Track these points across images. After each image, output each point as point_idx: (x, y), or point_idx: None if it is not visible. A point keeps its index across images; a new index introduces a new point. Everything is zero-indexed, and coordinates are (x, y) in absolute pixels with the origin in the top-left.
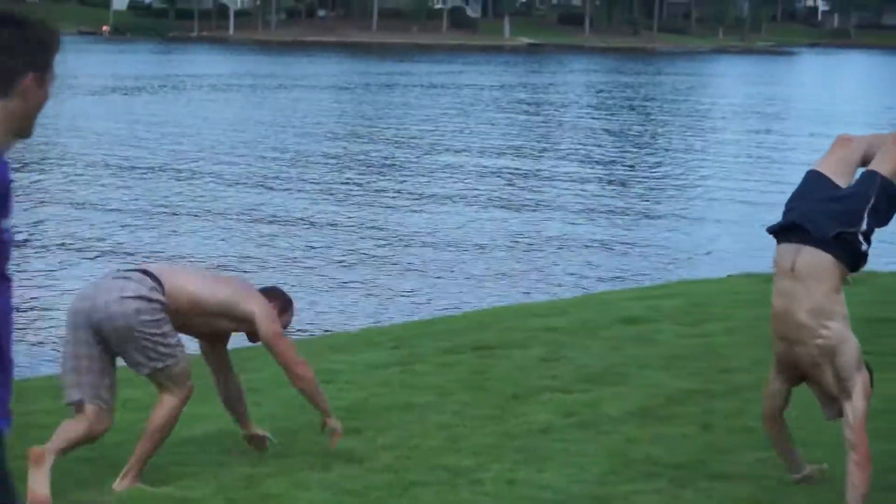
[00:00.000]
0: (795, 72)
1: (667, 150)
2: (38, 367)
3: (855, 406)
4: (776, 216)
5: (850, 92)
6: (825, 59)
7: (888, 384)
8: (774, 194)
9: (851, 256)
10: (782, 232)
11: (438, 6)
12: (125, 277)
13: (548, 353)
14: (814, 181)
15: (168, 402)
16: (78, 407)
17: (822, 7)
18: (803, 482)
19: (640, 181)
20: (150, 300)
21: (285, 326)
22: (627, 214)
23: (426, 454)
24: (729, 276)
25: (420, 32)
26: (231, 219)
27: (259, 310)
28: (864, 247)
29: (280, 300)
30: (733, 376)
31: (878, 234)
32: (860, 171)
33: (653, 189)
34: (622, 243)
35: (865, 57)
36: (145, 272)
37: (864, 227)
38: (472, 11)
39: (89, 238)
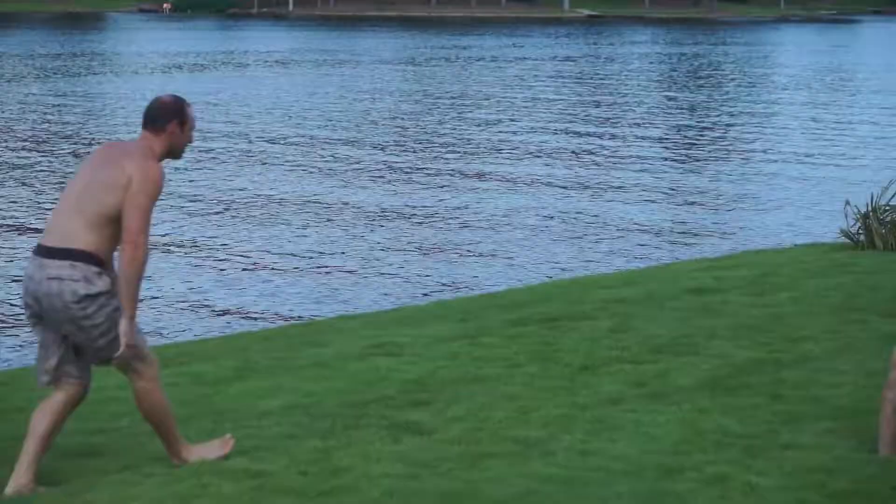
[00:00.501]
0: (861, 40)
1: (731, 122)
2: None
3: None
4: (840, 187)
5: None
6: (889, 26)
7: None
8: (839, 166)
9: None
10: None
11: None
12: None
13: (616, 325)
14: None
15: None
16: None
17: None
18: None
19: (703, 153)
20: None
21: None
22: (693, 180)
23: (496, 426)
24: (795, 245)
25: (479, 6)
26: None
27: None
28: None
29: None
30: (801, 346)
31: None
32: None
33: (717, 160)
34: (688, 207)
35: None
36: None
37: None
38: None
39: None
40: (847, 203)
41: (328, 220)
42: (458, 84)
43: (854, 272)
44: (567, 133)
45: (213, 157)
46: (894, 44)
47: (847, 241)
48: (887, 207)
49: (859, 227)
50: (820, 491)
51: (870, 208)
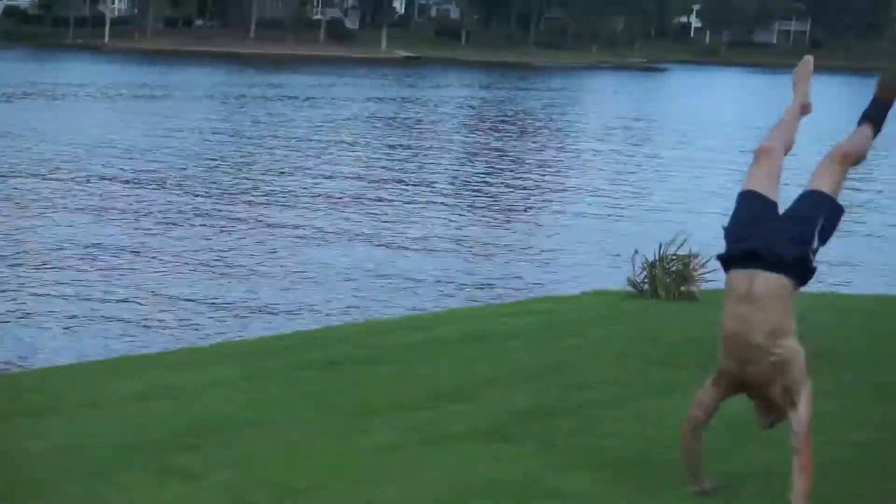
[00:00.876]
0: (666, 88)
1: (536, 166)
2: None
3: (800, 414)
4: (635, 231)
5: (720, 107)
6: (695, 75)
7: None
8: (636, 209)
9: (802, 275)
10: (737, 259)
11: (317, 17)
12: None
13: (397, 370)
14: (757, 203)
15: None
16: None
17: (694, 24)
18: (700, 495)
19: (503, 201)
20: None
21: None
22: (489, 234)
23: (266, 471)
24: (583, 293)
25: (297, 43)
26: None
27: None
28: (814, 265)
29: None
30: (580, 393)
31: None
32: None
33: (515, 209)
34: (482, 259)
35: (735, 74)
36: None
37: (815, 245)
38: (350, 23)
39: None
40: (636, 252)
41: (97, 261)
42: (266, 124)
43: (637, 321)
44: (363, 179)
45: None
46: (698, 92)
47: (633, 289)
48: (673, 257)
49: (645, 276)
50: None
51: (657, 258)
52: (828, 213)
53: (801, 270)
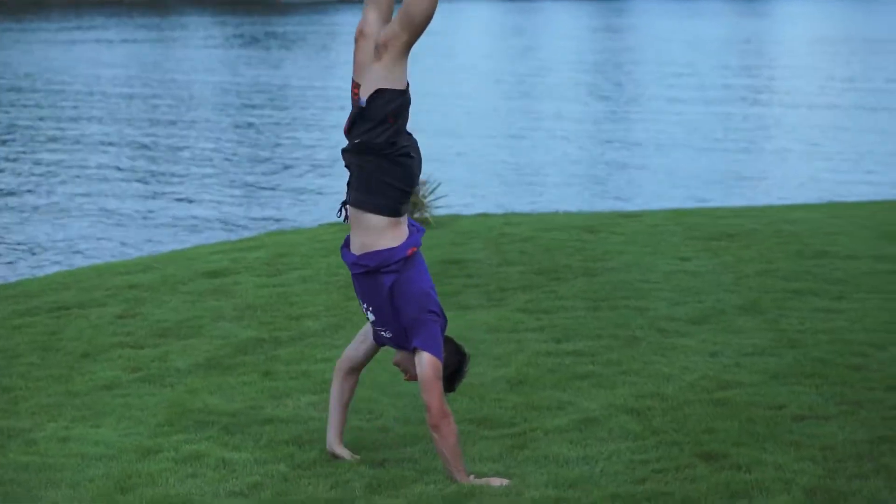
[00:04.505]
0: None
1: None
2: None
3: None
4: None
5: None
6: (443, 7)
7: (453, 321)
8: None
9: None
10: None
11: None
12: None
13: (125, 311)
14: None
15: None
16: None
17: None
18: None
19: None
20: None
21: None
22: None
23: None
24: (319, 225)
25: None
26: None
27: None
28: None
29: None
30: (302, 323)
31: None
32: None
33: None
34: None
35: (484, 5)
36: None
37: None
38: None
39: None
40: None
41: None
42: None
43: None
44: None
45: None
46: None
47: None
48: None
49: None
50: (289, 462)
51: None
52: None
53: None
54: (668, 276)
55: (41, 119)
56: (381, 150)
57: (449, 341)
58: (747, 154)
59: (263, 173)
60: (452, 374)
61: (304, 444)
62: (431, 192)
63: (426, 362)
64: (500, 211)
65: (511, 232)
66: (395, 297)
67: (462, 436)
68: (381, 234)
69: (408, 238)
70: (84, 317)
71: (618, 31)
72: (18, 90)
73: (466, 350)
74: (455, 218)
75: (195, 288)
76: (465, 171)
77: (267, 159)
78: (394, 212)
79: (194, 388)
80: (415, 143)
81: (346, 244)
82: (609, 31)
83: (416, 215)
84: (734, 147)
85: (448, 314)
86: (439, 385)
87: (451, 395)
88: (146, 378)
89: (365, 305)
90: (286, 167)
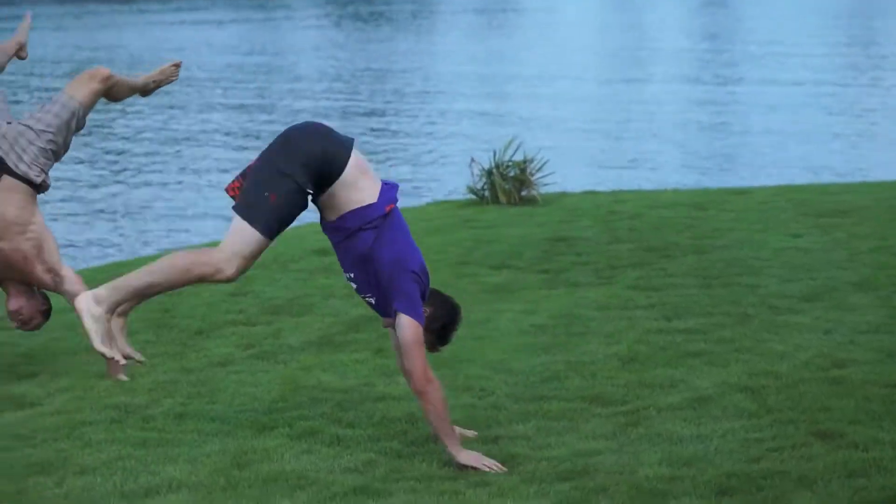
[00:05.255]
0: None
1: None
2: None
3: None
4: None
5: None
6: None
7: (557, 300)
8: (477, 121)
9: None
10: None
11: None
12: None
13: (237, 288)
14: None
15: None
16: None
17: None
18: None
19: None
20: None
21: None
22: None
23: (100, 395)
24: (426, 203)
25: None
26: None
27: None
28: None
29: None
30: None
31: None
32: None
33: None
34: None
35: None
36: None
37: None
38: None
39: None
40: (472, 160)
41: None
42: None
43: (476, 227)
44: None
45: None
46: None
47: (474, 197)
48: (510, 163)
49: (484, 184)
50: (402, 439)
51: (493, 164)
52: None
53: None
54: (779, 252)
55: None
56: None
57: (436, 294)
58: (860, 137)
59: (367, 152)
60: (445, 326)
61: (416, 422)
62: (539, 170)
63: (405, 325)
64: (607, 188)
65: (619, 209)
66: (374, 257)
67: (574, 414)
68: (351, 187)
69: (383, 194)
70: (197, 294)
71: (724, 5)
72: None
73: (456, 302)
74: (562, 195)
75: (305, 266)
76: (572, 147)
77: (373, 135)
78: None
79: (307, 366)
80: None
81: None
82: (716, 6)
83: (524, 193)
84: (848, 128)
85: (557, 291)
86: (421, 349)
87: (560, 371)
88: (259, 355)
89: (346, 274)
90: (388, 148)
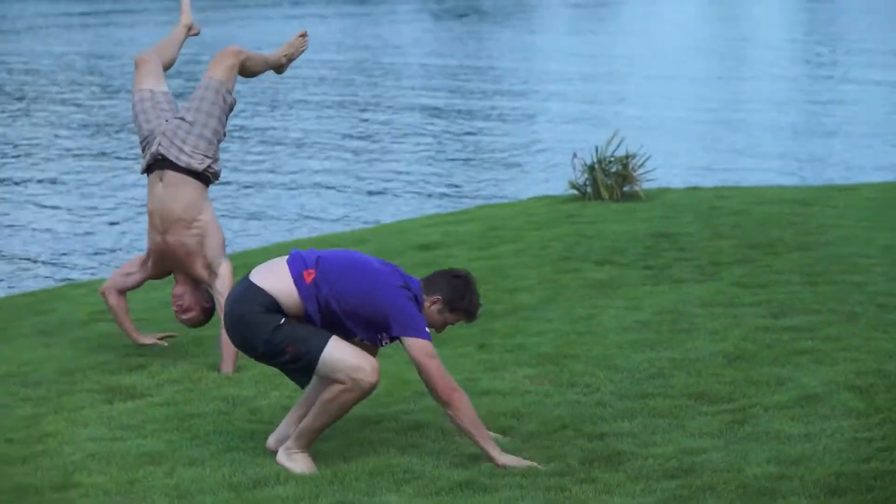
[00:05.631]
0: None
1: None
2: None
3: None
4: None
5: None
6: None
7: (661, 296)
8: (580, 120)
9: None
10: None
11: None
12: None
13: None
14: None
15: None
16: None
17: None
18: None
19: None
20: None
21: None
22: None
23: (209, 387)
24: (529, 198)
25: None
26: None
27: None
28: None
29: None
30: (515, 296)
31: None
32: None
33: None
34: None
35: None
36: None
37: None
38: None
39: None
40: (574, 155)
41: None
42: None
43: (578, 223)
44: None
45: None
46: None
47: (576, 192)
48: (612, 159)
49: (587, 179)
50: (507, 433)
51: (595, 160)
52: None
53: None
54: (887, 250)
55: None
56: None
57: (434, 279)
58: None
59: (473, 151)
60: (464, 299)
61: (521, 417)
62: (641, 165)
63: (410, 347)
64: (710, 184)
65: (722, 205)
66: (348, 310)
67: (680, 411)
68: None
69: (292, 268)
70: None
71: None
72: None
73: (458, 270)
74: (664, 191)
75: (408, 260)
76: (674, 143)
77: (474, 134)
78: None
79: (410, 360)
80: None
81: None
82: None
83: (626, 188)
84: None
85: (660, 288)
86: (434, 363)
87: (665, 368)
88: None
89: (367, 336)
90: (491, 143)
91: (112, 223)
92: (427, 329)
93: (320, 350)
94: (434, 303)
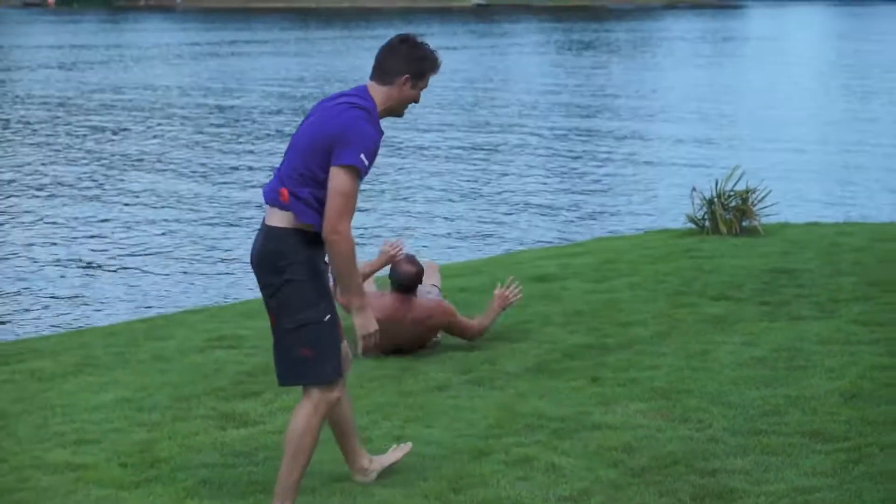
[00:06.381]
0: (749, 26)
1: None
2: None
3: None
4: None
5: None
6: (774, 11)
7: (778, 332)
8: (701, 152)
9: None
10: None
11: None
12: None
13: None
14: None
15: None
16: None
17: None
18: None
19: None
20: None
21: None
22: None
23: None
24: (646, 231)
25: None
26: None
27: None
28: None
29: None
30: (629, 330)
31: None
32: None
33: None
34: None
35: (816, 8)
36: None
37: None
38: None
39: None
40: (693, 189)
41: (180, 214)
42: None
43: (695, 257)
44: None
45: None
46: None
47: (694, 226)
48: (731, 193)
49: (705, 213)
50: (618, 469)
51: (714, 194)
52: None
53: None
54: None
55: None
56: None
57: (382, 63)
58: None
59: (594, 179)
60: (426, 60)
61: (633, 451)
62: (760, 200)
63: (336, 174)
64: (831, 220)
65: (843, 241)
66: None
67: (793, 449)
68: None
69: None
70: None
71: None
72: None
73: (395, 39)
74: (784, 226)
75: (524, 293)
76: (795, 178)
77: (594, 161)
78: None
79: (523, 392)
80: None
81: None
82: None
83: (745, 223)
84: None
85: (777, 324)
86: (343, 199)
87: (780, 405)
88: (476, 380)
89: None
90: (609, 175)
91: None
92: (361, 156)
93: (322, 379)
94: (405, 83)
